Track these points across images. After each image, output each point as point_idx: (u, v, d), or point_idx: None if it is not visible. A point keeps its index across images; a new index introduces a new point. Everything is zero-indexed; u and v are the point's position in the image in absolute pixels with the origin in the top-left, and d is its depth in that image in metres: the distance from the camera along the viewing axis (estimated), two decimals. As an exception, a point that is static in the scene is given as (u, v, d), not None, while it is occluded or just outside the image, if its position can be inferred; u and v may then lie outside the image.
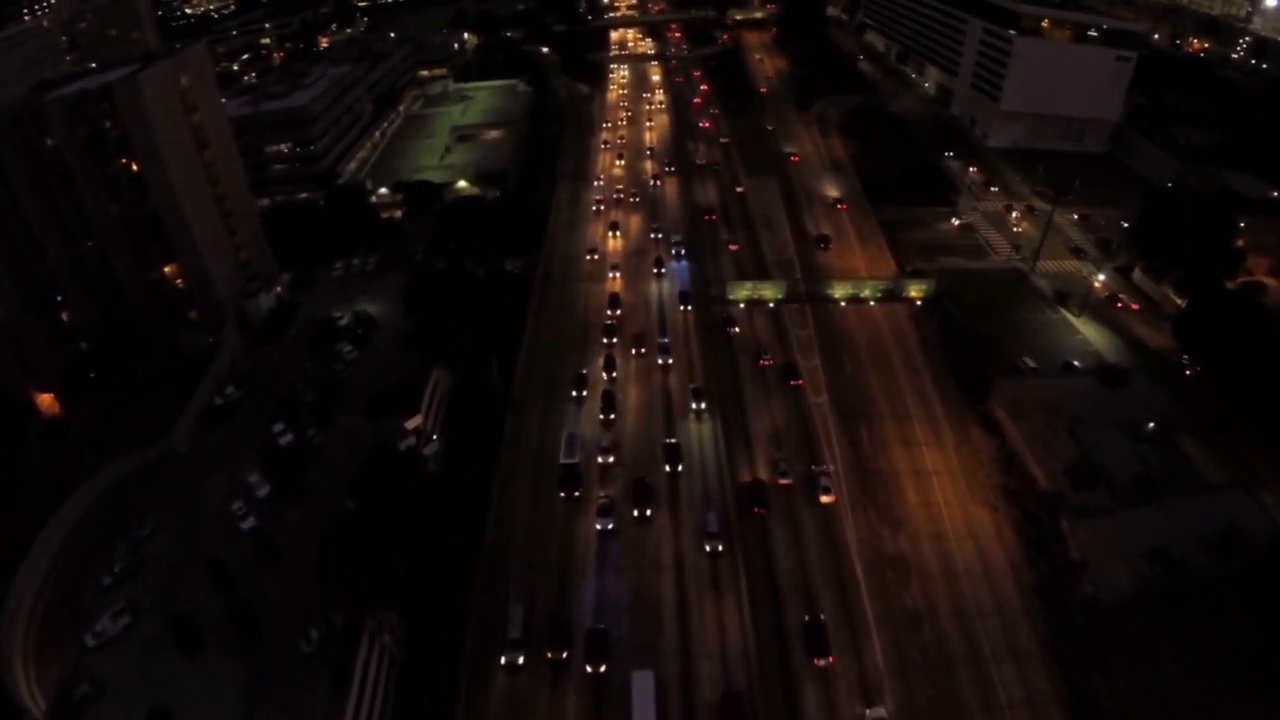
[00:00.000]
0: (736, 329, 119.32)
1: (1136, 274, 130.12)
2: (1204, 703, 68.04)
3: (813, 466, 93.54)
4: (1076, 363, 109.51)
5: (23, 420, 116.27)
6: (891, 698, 70.44)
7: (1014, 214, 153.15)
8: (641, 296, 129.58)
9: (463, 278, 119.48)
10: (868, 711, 69.63)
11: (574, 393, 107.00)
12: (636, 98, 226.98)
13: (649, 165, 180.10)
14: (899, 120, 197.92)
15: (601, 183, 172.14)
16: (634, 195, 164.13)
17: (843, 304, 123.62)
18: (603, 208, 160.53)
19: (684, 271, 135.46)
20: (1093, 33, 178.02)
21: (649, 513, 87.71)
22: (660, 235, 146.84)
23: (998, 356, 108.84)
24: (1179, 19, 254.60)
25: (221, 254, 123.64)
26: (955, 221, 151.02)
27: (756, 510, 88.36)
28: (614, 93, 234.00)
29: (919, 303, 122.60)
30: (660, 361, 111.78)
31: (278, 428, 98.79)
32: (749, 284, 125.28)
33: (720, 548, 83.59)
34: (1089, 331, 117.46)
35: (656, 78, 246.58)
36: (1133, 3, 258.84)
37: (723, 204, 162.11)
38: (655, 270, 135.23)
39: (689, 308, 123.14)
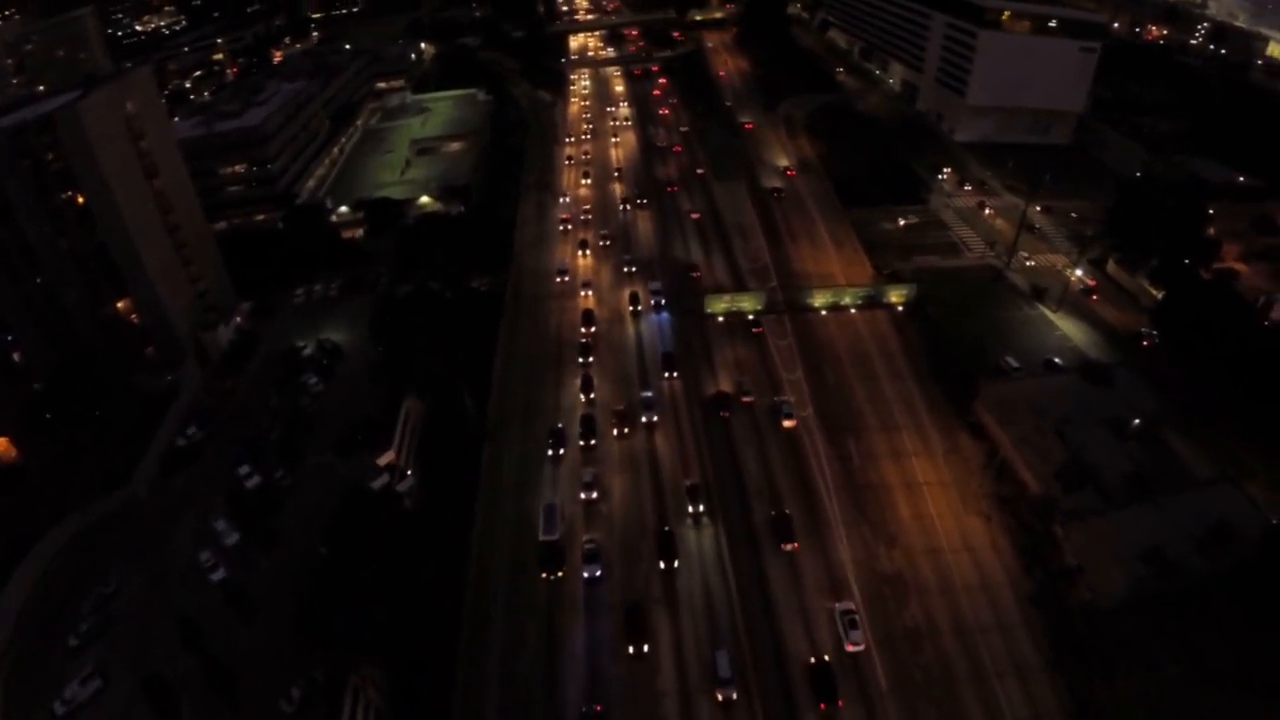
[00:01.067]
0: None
1: (1111, 265, 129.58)
2: (1205, 704, 67.19)
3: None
4: (1058, 360, 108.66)
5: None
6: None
7: (987, 210, 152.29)
8: (618, 344, 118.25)
9: (430, 301, 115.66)
10: (836, 605, 77.17)
11: (550, 451, 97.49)
12: (600, 111, 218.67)
13: (618, 188, 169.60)
14: (867, 119, 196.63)
15: (568, 200, 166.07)
16: (605, 237, 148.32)
17: (823, 312, 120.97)
18: (570, 228, 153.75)
19: (665, 325, 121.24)
20: (1057, 24, 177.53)
21: (645, 648, 75.42)
22: (633, 268, 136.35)
23: (980, 358, 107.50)
24: (1138, 6, 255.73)
25: (177, 286, 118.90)
26: (901, 221, 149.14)
27: None
28: (576, 105, 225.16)
29: (900, 308, 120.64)
30: (645, 419, 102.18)
31: (243, 470, 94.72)
32: (727, 296, 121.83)
33: (734, 696, 71.46)
34: (1067, 326, 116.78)
35: (620, 88, 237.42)
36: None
37: (684, 180, 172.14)
38: (631, 307, 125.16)
39: (675, 374, 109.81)
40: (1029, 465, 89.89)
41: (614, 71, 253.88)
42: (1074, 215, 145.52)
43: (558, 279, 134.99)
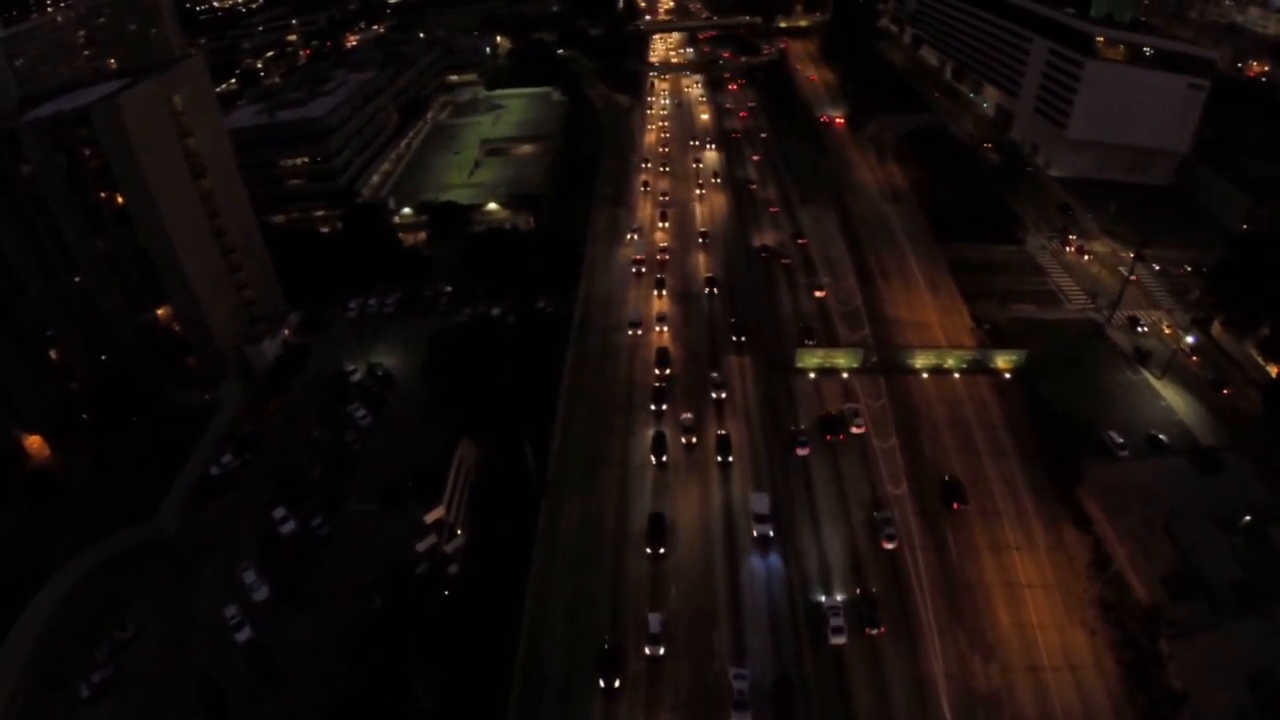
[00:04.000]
0: None
1: (1216, 328, 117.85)
2: None
3: None
4: (1162, 436, 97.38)
5: (8, 464, 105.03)
6: None
7: (1086, 256, 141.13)
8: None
9: (491, 332, 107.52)
10: None
11: (601, 681, 70.64)
12: (682, 140, 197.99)
13: (701, 260, 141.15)
14: (960, 146, 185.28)
15: (639, 238, 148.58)
16: (686, 426, 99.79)
17: (923, 375, 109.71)
18: (644, 270, 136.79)
19: (776, 572, 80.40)
20: (1165, 58, 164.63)
21: None
22: (722, 393, 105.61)
23: (1084, 431, 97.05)
24: (1239, 40, 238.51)
25: (221, 294, 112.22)
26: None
27: None
28: (654, 131, 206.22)
29: (1006, 375, 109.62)
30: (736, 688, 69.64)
31: (279, 513, 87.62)
32: (820, 352, 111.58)
33: None
34: (1171, 396, 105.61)
35: (705, 116, 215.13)
36: (1190, 21, 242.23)
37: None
38: (719, 458, 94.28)
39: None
40: (1136, 567, 79.85)
41: (698, 95, 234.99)
42: (1186, 268, 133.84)
43: (629, 331, 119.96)
